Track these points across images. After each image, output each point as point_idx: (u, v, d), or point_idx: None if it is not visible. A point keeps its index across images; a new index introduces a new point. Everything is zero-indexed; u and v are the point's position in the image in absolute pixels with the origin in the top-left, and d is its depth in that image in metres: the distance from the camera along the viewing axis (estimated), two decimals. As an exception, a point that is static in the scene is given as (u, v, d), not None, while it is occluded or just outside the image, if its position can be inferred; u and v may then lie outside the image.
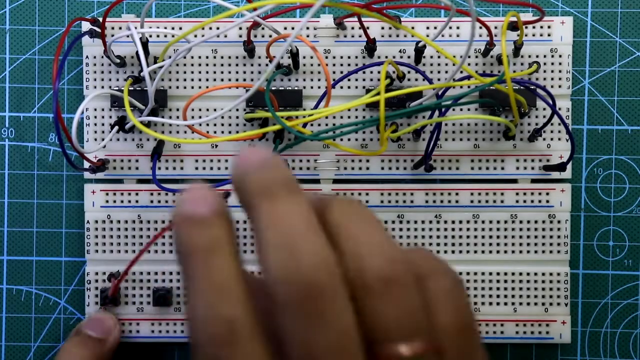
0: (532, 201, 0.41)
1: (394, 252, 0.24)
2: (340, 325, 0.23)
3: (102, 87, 0.41)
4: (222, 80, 0.40)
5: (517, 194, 0.41)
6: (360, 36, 0.40)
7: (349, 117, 0.41)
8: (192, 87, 0.40)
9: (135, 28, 0.37)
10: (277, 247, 0.23)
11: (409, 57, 0.40)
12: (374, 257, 0.24)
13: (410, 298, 0.24)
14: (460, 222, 0.41)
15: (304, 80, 0.40)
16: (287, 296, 0.22)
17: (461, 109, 0.40)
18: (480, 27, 0.39)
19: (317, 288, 0.22)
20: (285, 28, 0.40)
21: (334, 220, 0.24)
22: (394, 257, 0.24)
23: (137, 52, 0.36)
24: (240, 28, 0.40)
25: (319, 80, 0.40)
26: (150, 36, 0.40)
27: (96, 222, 0.41)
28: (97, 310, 0.41)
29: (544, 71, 0.40)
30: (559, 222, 0.41)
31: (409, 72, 0.40)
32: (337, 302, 0.23)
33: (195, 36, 0.40)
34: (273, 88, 0.40)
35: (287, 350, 0.23)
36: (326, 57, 0.40)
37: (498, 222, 0.41)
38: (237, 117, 0.41)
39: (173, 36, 0.39)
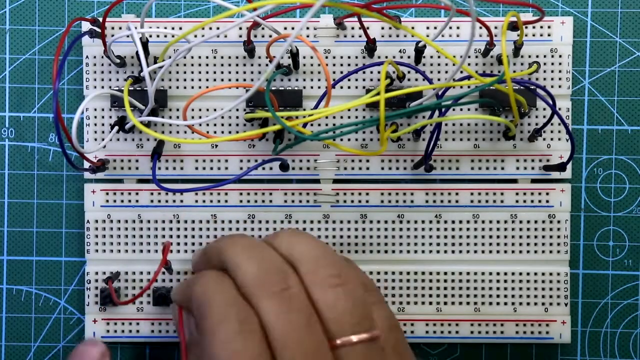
0: (532, 201, 0.41)
1: (339, 262, 0.33)
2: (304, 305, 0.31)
3: (102, 87, 0.41)
4: (222, 80, 0.40)
5: (517, 194, 0.41)
6: (360, 36, 0.40)
7: (349, 117, 0.41)
8: (192, 87, 0.40)
9: (135, 28, 0.37)
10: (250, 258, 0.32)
11: (409, 57, 0.40)
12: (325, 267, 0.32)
13: (355, 293, 0.32)
14: (460, 222, 0.41)
15: (304, 80, 0.40)
16: (264, 286, 0.31)
17: (461, 109, 0.40)
18: (480, 27, 0.39)
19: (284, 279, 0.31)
20: (285, 28, 0.40)
21: (283, 246, 0.33)
22: (339, 262, 0.33)
23: (137, 52, 0.36)
24: (240, 28, 0.40)
25: (319, 80, 0.40)
26: (150, 36, 0.40)
27: (96, 221, 0.41)
28: (85, 341, 0.38)
29: (544, 71, 0.40)
30: (559, 222, 0.41)
31: (409, 72, 0.40)
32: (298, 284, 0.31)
33: (195, 36, 0.40)
34: (273, 88, 0.40)
35: (266, 331, 0.30)
36: (326, 57, 0.40)
37: (498, 222, 0.41)
38: (237, 117, 0.41)
39: (173, 36, 0.39)
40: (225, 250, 0.33)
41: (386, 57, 0.40)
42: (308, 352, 0.30)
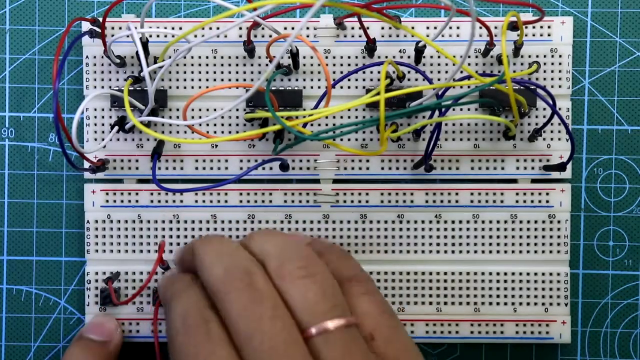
0: (532, 201, 0.41)
1: (306, 251, 0.33)
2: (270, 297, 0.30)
3: (102, 87, 0.41)
4: (222, 80, 0.40)
5: (517, 194, 0.41)
6: (360, 36, 0.40)
7: (349, 117, 0.41)
8: (192, 87, 0.40)
9: (135, 28, 0.37)
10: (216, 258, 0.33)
11: (409, 57, 0.40)
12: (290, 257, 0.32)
13: (325, 284, 0.31)
14: (460, 222, 0.41)
15: (304, 80, 0.40)
16: (228, 282, 0.31)
17: (461, 109, 0.40)
18: (480, 27, 0.39)
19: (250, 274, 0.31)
20: (285, 28, 0.40)
21: (254, 245, 0.33)
22: (307, 255, 0.33)
23: (137, 52, 0.36)
24: (240, 28, 0.40)
25: (319, 80, 0.40)
26: (150, 36, 0.40)
27: (96, 222, 0.41)
28: (98, 314, 0.41)
29: (544, 71, 0.40)
30: (559, 222, 0.41)
31: (409, 72, 0.40)
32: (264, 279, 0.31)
33: (195, 36, 0.40)
34: (273, 88, 0.40)
35: (230, 328, 0.30)
36: (326, 57, 0.40)
37: (498, 222, 0.41)
38: (237, 117, 0.41)
39: (173, 36, 0.39)
40: (197, 251, 0.34)
41: (386, 57, 0.40)
42: (276, 344, 0.29)
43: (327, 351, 0.29)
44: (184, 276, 0.34)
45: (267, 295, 0.30)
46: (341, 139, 0.40)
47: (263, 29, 0.40)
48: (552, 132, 0.40)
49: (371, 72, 0.40)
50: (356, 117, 0.41)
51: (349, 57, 0.40)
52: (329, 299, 0.31)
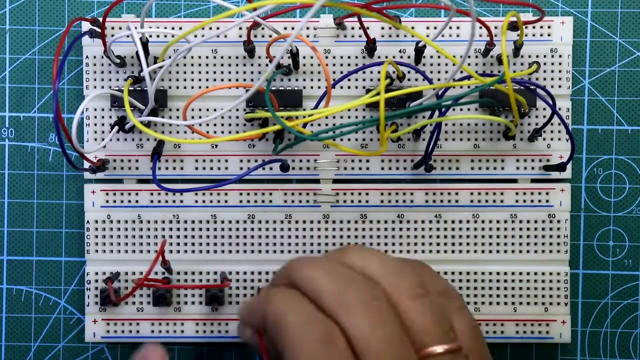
0: (532, 201, 0.41)
1: (419, 272, 0.33)
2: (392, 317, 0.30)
3: (102, 87, 0.41)
4: (222, 80, 0.40)
5: (517, 193, 0.41)
6: (360, 36, 0.40)
7: (349, 117, 0.41)
8: (192, 87, 0.40)
9: (135, 28, 0.37)
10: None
11: (409, 57, 0.40)
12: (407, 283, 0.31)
13: (439, 303, 0.31)
14: (460, 222, 0.41)
15: (304, 80, 0.40)
16: (346, 298, 0.30)
17: (461, 109, 0.40)
18: (480, 27, 0.39)
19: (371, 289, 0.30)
20: (285, 28, 0.40)
21: (357, 263, 0.32)
22: (417, 273, 0.32)
23: (137, 52, 0.36)
24: (240, 28, 0.40)
25: (319, 80, 0.40)
26: (150, 36, 0.40)
27: (96, 222, 0.41)
28: (146, 344, 0.37)
29: (544, 71, 0.40)
30: (558, 222, 0.41)
31: (409, 72, 0.40)
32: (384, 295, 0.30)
33: (195, 36, 0.40)
34: (273, 88, 0.40)
35: (355, 345, 0.29)
36: (326, 57, 0.40)
37: (498, 222, 0.41)
38: (237, 117, 0.41)
39: (173, 36, 0.39)
40: (297, 268, 0.32)
41: (386, 57, 0.40)
42: None
43: None
44: (288, 290, 0.32)
45: (390, 316, 0.30)
46: (341, 139, 0.40)
47: (263, 29, 0.40)
48: (552, 132, 0.40)
49: (371, 72, 0.40)
50: (356, 117, 0.41)
51: (349, 57, 0.40)
52: (442, 321, 0.31)
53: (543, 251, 0.41)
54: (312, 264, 0.32)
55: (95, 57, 0.41)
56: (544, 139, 0.41)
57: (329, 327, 0.29)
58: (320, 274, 0.31)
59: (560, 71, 0.40)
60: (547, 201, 0.41)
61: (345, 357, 0.29)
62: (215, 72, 0.40)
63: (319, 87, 0.40)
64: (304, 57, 0.40)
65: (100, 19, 0.39)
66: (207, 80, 0.40)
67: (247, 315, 0.35)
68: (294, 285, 0.31)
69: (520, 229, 0.41)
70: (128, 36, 0.37)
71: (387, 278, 0.31)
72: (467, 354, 0.31)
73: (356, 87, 0.40)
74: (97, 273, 0.41)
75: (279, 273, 0.34)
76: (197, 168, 0.41)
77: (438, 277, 0.36)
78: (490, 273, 0.41)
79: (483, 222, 0.41)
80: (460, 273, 0.41)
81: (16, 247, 0.42)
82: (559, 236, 0.41)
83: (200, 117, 0.40)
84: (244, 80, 0.41)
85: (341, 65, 0.40)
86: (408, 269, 0.32)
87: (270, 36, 0.40)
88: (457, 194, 0.41)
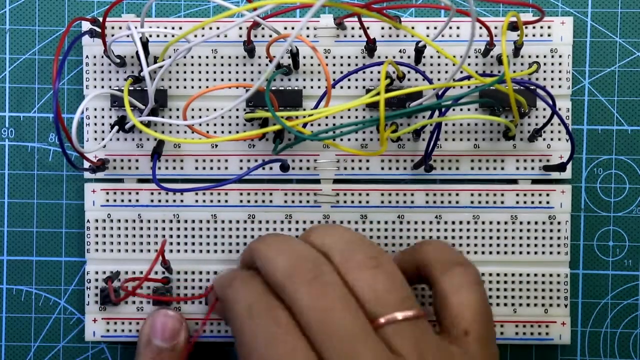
0: (533, 202, 0.41)
1: (374, 246, 0.33)
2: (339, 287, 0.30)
3: (102, 86, 0.41)
4: (222, 80, 0.40)
5: (517, 194, 0.41)
6: (360, 36, 0.40)
7: (349, 117, 0.41)
8: (192, 87, 0.40)
9: (136, 28, 0.37)
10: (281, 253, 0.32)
11: (409, 57, 0.40)
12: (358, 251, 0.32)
13: (394, 272, 0.32)
14: (461, 222, 0.41)
15: (304, 80, 0.40)
16: (296, 275, 0.30)
17: (461, 109, 0.40)
18: (480, 27, 0.39)
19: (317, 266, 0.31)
20: (285, 28, 0.40)
21: (315, 239, 0.33)
22: (372, 246, 0.33)
23: (137, 52, 0.36)
24: (241, 28, 0.40)
25: (319, 80, 0.40)
26: (150, 36, 0.40)
27: (96, 221, 0.41)
28: (160, 312, 0.40)
29: (544, 71, 0.40)
30: (559, 223, 0.41)
31: (409, 72, 0.40)
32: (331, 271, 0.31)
33: (195, 36, 0.40)
34: (273, 88, 0.40)
35: (300, 319, 0.30)
36: (326, 57, 0.40)
37: (498, 222, 0.41)
38: (237, 117, 0.41)
39: (173, 36, 0.39)
40: (256, 247, 0.33)
41: (386, 57, 0.40)
42: (348, 335, 0.29)
43: (398, 340, 0.30)
44: (244, 271, 0.34)
45: (337, 289, 0.30)
46: (341, 139, 0.40)
47: (263, 28, 0.40)
48: (552, 132, 0.40)
49: (371, 72, 0.40)
50: (356, 117, 0.41)
51: (349, 57, 0.40)
52: (398, 289, 0.31)
53: (543, 253, 0.41)
54: (268, 241, 0.33)
55: (95, 56, 0.41)
56: (544, 139, 0.40)
57: (274, 308, 0.30)
58: (275, 255, 0.32)
59: (560, 71, 0.40)
60: (547, 202, 0.41)
61: (292, 336, 0.29)
62: (215, 72, 0.40)
63: (319, 87, 0.40)
64: (304, 57, 0.40)
65: (101, 19, 0.39)
66: (207, 80, 0.40)
67: (216, 290, 0.36)
68: (253, 263, 0.33)
69: (521, 230, 0.41)
70: (128, 36, 0.37)
71: (339, 253, 0.32)
72: (467, 329, 0.31)
73: (356, 87, 0.40)
74: (97, 272, 0.41)
75: (246, 250, 0.35)
76: (197, 168, 0.41)
77: (448, 250, 0.36)
78: (490, 274, 0.41)
79: (483, 223, 0.41)
80: (460, 273, 0.41)
81: (16, 247, 0.42)
82: (559, 238, 0.41)
83: (200, 117, 0.40)
84: (244, 80, 0.41)
85: (341, 65, 0.40)
86: (363, 242, 0.33)
87: (271, 36, 0.40)
88: (457, 194, 0.41)
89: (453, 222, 0.41)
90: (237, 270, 0.35)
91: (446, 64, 0.40)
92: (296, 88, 0.40)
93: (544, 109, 0.40)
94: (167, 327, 0.39)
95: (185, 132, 0.40)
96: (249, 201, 0.41)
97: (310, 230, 0.35)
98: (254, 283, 0.32)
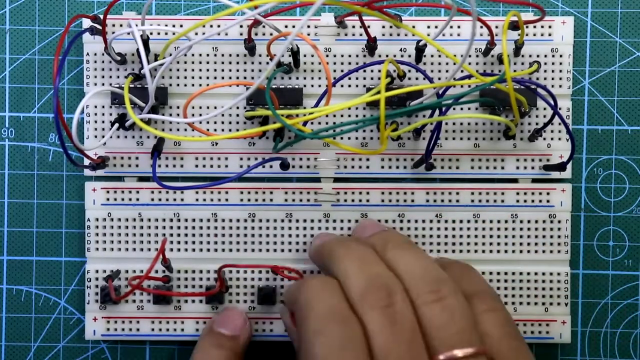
0: (533, 201, 0.41)
1: (438, 272, 0.33)
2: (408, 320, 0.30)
3: (103, 84, 0.41)
4: (222, 78, 0.40)
5: (517, 193, 0.41)
6: (361, 35, 0.40)
7: (349, 116, 0.41)
8: (193, 85, 0.40)
9: (136, 25, 0.37)
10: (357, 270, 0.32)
11: (409, 55, 0.40)
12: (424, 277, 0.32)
13: (458, 306, 0.31)
14: (461, 221, 0.41)
15: (305, 78, 0.40)
16: (371, 299, 0.31)
17: (461, 108, 0.40)
18: (481, 27, 0.40)
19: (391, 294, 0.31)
20: (286, 26, 0.40)
21: (389, 257, 0.33)
22: (439, 276, 0.32)
23: (137, 50, 0.36)
24: (241, 26, 0.40)
25: (319, 78, 0.40)
26: (151, 34, 0.40)
27: (97, 220, 0.41)
28: (227, 307, 0.41)
29: (545, 71, 0.40)
30: (559, 222, 0.41)
31: (409, 71, 0.40)
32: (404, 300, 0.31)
33: (196, 34, 0.40)
34: (273, 86, 0.40)
35: (369, 339, 0.30)
36: (327, 56, 0.40)
37: (498, 221, 0.41)
38: (238, 115, 0.41)
39: (174, 34, 0.39)
40: (338, 256, 0.34)
41: (387, 55, 0.40)
42: None
43: None
44: (323, 278, 0.34)
45: (406, 319, 0.31)
46: (341, 138, 0.40)
47: (264, 27, 0.40)
48: (552, 132, 0.41)
49: (372, 71, 0.40)
50: (356, 115, 0.41)
51: (349, 56, 0.40)
52: (458, 323, 0.31)
53: (543, 251, 0.41)
54: (351, 255, 0.34)
55: (95, 54, 0.41)
56: (544, 139, 0.41)
57: (349, 321, 0.31)
58: (353, 272, 0.32)
59: (560, 71, 0.40)
60: (547, 201, 0.41)
61: (360, 352, 0.30)
62: (215, 70, 0.40)
63: (320, 86, 0.40)
64: (305, 56, 0.40)
65: (101, 16, 0.39)
66: (208, 78, 0.40)
67: (286, 299, 0.37)
68: (330, 268, 0.34)
69: (521, 229, 0.41)
70: (129, 33, 0.37)
71: (414, 281, 0.32)
72: (492, 357, 0.31)
73: (357, 86, 0.40)
74: (97, 271, 0.41)
75: (323, 246, 0.36)
76: (197, 166, 0.41)
77: (473, 276, 0.36)
78: (491, 273, 0.41)
79: (484, 222, 0.41)
80: (461, 272, 0.41)
81: (16, 247, 0.42)
82: (559, 236, 0.41)
83: (200, 115, 0.40)
84: (245, 78, 0.41)
85: (342, 63, 0.40)
86: (430, 271, 0.33)
87: (271, 34, 0.40)
88: (457, 193, 0.41)
89: (453, 221, 0.41)
90: (313, 276, 0.36)
91: (447, 63, 0.40)
92: (297, 86, 0.40)
93: (545, 109, 0.40)
94: (231, 319, 0.40)
95: (186, 129, 0.40)
96: (249, 200, 0.41)
97: (386, 241, 0.35)
98: (332, 292, 0.32)
